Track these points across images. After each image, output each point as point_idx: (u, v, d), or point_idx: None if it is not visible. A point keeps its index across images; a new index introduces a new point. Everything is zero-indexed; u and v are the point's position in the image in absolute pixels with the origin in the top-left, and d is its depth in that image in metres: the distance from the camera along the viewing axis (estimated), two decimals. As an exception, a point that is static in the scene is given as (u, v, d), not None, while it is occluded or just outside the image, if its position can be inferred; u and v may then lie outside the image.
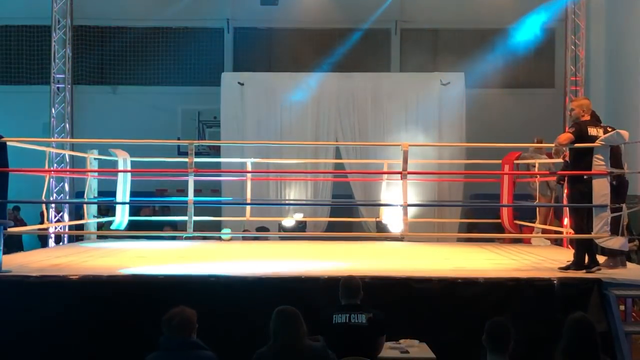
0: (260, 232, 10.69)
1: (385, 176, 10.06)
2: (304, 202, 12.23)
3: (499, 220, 9.42)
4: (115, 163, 9.20)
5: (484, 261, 7.36)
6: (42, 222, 8.82)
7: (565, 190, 6.91)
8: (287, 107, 12.55)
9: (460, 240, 11.03)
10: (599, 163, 6.05)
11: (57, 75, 12.16)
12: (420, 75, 13.06)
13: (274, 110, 12.56)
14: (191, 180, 6.64)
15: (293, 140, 12.27)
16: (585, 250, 6.21)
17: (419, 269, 6.34)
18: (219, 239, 9.72)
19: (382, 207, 10.56)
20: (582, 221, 6.23)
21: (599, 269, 6.17)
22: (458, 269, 6.39)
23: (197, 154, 13.08)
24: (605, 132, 6.15)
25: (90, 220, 9.41)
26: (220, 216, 10.76)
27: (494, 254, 8.25)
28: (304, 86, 12.52)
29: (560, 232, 8.74)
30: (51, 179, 11.24)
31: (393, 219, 10.06)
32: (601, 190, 6.00)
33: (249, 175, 9.80)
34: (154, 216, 11.59)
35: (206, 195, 12.49)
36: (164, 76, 14.48)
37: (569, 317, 3.66)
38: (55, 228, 10.85)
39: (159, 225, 10.49)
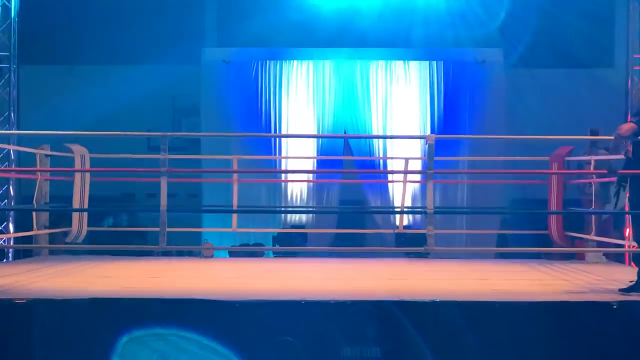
0: (248, 247, 10.76)
1: (405, 177, 10.22)
2: (304, 209, 12.37)
3: (546, 232, 9.45)
4: (71, 161, 9.20)
5: (527, 281, 7.40)
6: (-21, 235, 8.79)
7: (627, 194, 6.89)
8: (284, 91, 12.69)
9: (498, 255, 11.02)
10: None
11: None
12: (448, 52, 13.12)
13: (267, 95, 12.67)
14: (164, 182, 6.72)
15: (291, 132, 12.45)
16: (652, 268, 6.22)
17: (448, 291, 6.38)
18: (199, 255, 9.83)
19: (402, 216, 10.67)
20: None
21: (670, 291, 6.17)
22: (496, 291, 6.42)
23: (172, 150, 12.80)
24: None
25: (41, 231, 9.42)
26: (200, 227, 10.80)
27: (539, 272, 8.30)
28: (306, 66, 12.69)
29: (621, 246, 8.74)
30: (-9, 181, 11.27)
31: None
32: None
33: (235, 175, 9.87)
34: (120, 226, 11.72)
35: (183, 201, 12.61)
36: (131, 53, 14.46)
37: None
38: (-2, 241, 10.90)
39: (127, 238, 10.56)
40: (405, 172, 10.21)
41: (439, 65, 12.81)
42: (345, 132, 12.64)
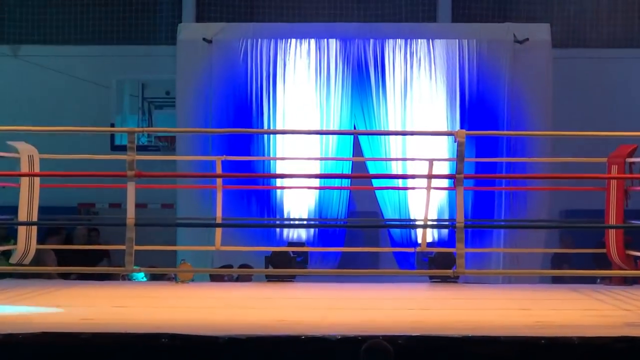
0: (235, 270, 10.71)
1: (429, 183, 10.13)
2: (305, 222, 12.34)
3: (604, 250, 9.45)
4: (16, 163, 9.11)
5: (580, 312, 7.39)
6: None
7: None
8: (279, 77, 12.65)
9: (544, 280, 11.10)
10: None
11: None
12: (482, 29, 13.15)
13: (258, 81, 12.66)
14: (131, 188, 6.73)
15: (288, 127, 12.38)
16: None
17: (481, 324, 6.37)
18: (175, 278, 9.75)
19: (424, 231, 10.63)
20: None
21: None
22: (541, 324, 6.41)
23: (141, 149, 13.28)
24: None
25: (-21, 249, 9.43)
26: (176, 244, 10.81)
27: (595, 300, 8.27)
28: (306, 45, 12.65)
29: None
30: None
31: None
32: None
33: (219, 181, 9.85)
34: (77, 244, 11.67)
35: (154, 212, 12.82)
36: (91, 31, 14.56)
37: None
38: None
39: (86, 258, 10.61)
40: (429, 176, 10.20)
41: (471, 44, 12.75)
42: (354, 128, 12.65)
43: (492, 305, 8.05)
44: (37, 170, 9.11)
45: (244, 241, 11.60)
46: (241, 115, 12.63)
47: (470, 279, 9.90)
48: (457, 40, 12.72)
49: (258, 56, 12.70)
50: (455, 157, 6.93)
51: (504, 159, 12.04)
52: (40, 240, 9.66)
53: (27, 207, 9.05)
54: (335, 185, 12.38)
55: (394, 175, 12.45)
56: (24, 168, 9.00)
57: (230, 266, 10.96)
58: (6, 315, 6.86)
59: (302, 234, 12.55)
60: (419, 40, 12.70)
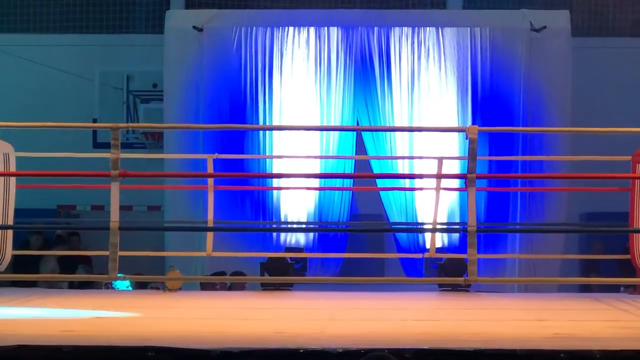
0: (228, 278, 10.77)
1: (438, 183, 10.11)
2: (303, 226, 12.45)
3: (628, 256, 9.37)
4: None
5: (601, 323, 7.39)
6: None
7: None
8: (276, 69, 12.72)
9: (562, 288, 11.12)
10: None
11: None
12: (496, 16, 13.22)
13: (253, 73, 12.72)
14: (115, 189, 6.73)
15: (286, 123, 12.52)
16: None
17: (495, 336, 6.39)
18: (162, 287, 9.79)
19: (433, 235, 10.61)
20: None
21: None
22: (560, 337, 6.43)
23: (126, 146, 13.05)
24: None
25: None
26: (163, 249, 10.90)
27: (618, 311, 8.28)
28: (305, 34, 12.70)
29: None
30: None
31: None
32: None
33: (211, 181, 9.87)
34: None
35: (141, 215, 12.86)
36: (71, 18, 14.56)
37: None
38: None
39: (67, 265, 10.80)
40: (439, 176, 10.16)
41: (484, 32, 12.81)
42: (357, 123, 12.74)
43: (506, 316, 8.05)
44: (12, 169, 9.06)
45: (238, 246, 11.68)
46: (234, 109, 12.73)
47: (483, 288, 9.91)
48: (468, 28, 12.78)
49: (253, 46, 12.75)
50: (466, 155, 6.81)
51: (520, 157, 12.09)
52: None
53: (2, 209, 9.05)
54: (337, 186, 12.43)
55: (400, 175, 12.53)
56: (-1, 167, 9.09)
57: (223, 273, 11.02)
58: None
59: (300, 238, 12.62)
60: (427, 28, 12.76)
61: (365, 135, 12.76)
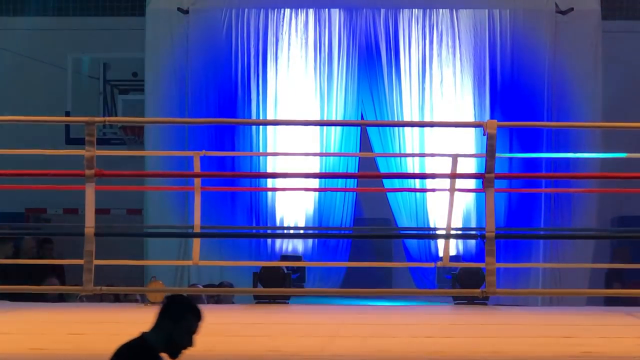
0: (217, 289, 10.69)
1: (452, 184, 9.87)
2: (301, 232, 12.37)
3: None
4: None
5: (634, 340, 7.40)
6: None
7: None
8: (271, 56, 12.57)
9: (591, 301, 11.14)
10: None
11: None
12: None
13: (245, 60, 12.57)
14: (90, 190, 6.65)
15: (282, 117, 12.38)
16: None
17: (516, 356, 6.41)
18: (143, 300, 9.97)
19: (447, 242, 10.63)
20: None
21: None
22: (588, 355, 6.48)
23: (103, 143, 13.80)
24: None
25: None
26: (144, 258, 11.00)
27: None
28: (303, 17, 12.56)
29: None
30: None
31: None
32: None
33: (197, 181, 9.72)
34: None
35: (119, 219, 12.78)
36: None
37: None
38: None
39: (36, 275, 10.46)
40: (453, 176, 9.84)
41: (504, 15, 12.57)
42: (362, 118, 12.60)
43: (529, 333, 8.01)
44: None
45: (228, 255, 11.74)
46: (224, 101, 12.60)
47: (502, 301, 10.10)
48: (486, 10, 12.67)
49: (245, 30, 12.61)
50: (484, 152, 6.93)
51: (545, 155, 11.99)
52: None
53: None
54: (339, 187, 12.31)
55: (409, 175, 12.47)
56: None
57: (213, 285, 10.99)
58: None
59: (298, 245, 12.54)
60: (440, 10, 12.67)
61: (371, 131, 12.72)
